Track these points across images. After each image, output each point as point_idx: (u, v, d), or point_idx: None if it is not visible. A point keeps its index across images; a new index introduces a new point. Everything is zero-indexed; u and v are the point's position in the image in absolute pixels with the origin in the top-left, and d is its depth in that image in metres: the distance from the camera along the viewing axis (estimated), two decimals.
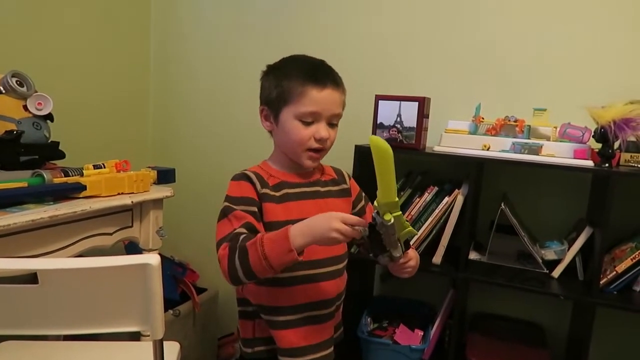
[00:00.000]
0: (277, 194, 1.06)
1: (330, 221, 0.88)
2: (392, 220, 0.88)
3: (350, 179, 1.22)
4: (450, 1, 1.72)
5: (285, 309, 1.05)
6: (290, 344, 1.05)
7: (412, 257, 1.01)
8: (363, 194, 1.23)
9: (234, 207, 1.01)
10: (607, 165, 1.36)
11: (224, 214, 1.02)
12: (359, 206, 1.19)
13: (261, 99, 1.10)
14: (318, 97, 1.02)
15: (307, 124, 1.03)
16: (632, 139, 1.40)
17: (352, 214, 1.15)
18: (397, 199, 0.88)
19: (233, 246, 0.93)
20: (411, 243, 1.10)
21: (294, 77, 1.03)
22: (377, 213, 0.89)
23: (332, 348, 1.12)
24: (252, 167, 1.10)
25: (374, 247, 0.93)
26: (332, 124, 1.06)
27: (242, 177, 1.05)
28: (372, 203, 0.91)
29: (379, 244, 0.92)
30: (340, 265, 1.12)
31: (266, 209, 1.03)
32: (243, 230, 0.97)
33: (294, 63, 1.08)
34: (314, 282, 1.06)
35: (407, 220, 0.94)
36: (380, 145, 0.85)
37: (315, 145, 1.04)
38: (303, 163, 1.07)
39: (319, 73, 1.04)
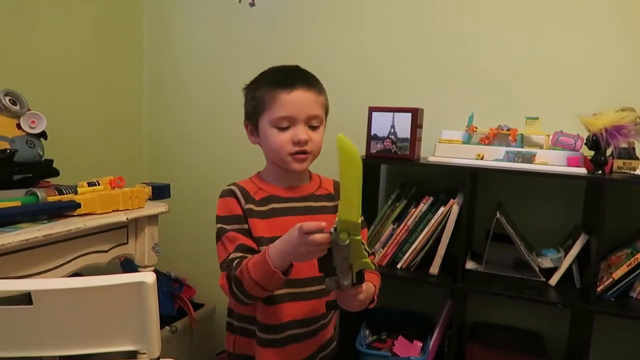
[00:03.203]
0: (263, 208, 1.03)
1: (298, 247, 0.84)
2: (348, 242, 0.80)
3: None
4: (440, 12, 1.74)
5: (272, 327, 1.03)
6: None
7: (363, 291, 0.93)
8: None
9: (226, 227, 1.01)
10: (600, 172, 1.37)
11: (218, 236, 1.02)
12: None
13: (245, 116, 1.11)
14: (288, 100, 1.00)
15: (283, 129, 1.01)
16: (624, 145, 1.41)
17: None
18: (359, 220, 0.80)
19: (229, 275, 0.94)
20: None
21: (263, 86, 1.03)
22: (335, 229, 0.81)
23: None
24: (243, 180, 1.09)
25: (322, 265, 0.86)
26: (312, 126, 1.03)
27: (228, 193, 1.05)
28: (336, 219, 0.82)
29: (329, 263, 0.85)
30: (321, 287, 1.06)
31: (251, 225, 1.02)
32: (237, 254, 0.97)
33: (265, 73, 1.08)
34: (300, 301, 1.04)
35: (367, 250, 0.85)
36: (348, 149, 0.77)
37: (295, 149, 1.01)
38: (290, 167, 1.03)
39: (287, 76, 1.03)
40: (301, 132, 1.00)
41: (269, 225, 1.02)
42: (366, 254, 0.85)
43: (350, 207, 0.79)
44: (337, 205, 1.05)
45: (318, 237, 0.81)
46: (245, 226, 1.01)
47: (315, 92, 1.04)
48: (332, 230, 0.82)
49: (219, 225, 1.02)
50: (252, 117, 1.06)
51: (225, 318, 1.13)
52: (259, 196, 1.05)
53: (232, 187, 1.05)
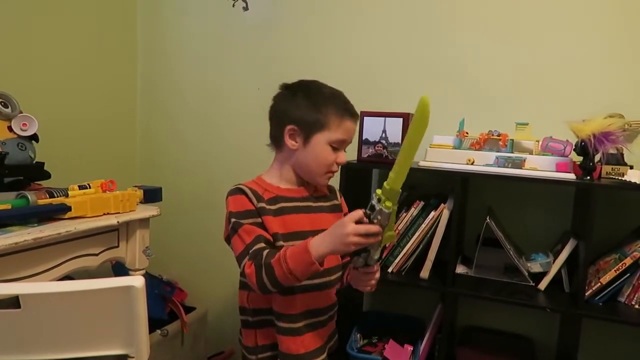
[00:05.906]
0: (274, 207, 1.11)
1: (346, 237, 0.92)
2: (391, 210, 0.88)
3: (341, 196, 1.29)
4: (432, 18, 1.75)
5: (289, 317, 1.11)
6: (289, 350, 1.10)
7: (378, 270, 1.08)
8: None
9: (241, 221, 1.06)
10: (588, 178, 1.38)
11: (234, 229, 1.07)
12: None
13: (289, 118, 1.12)
14: (350, 128, 1.14)
15: (335, 149, 1.12)
16: (612, 151, 1.42)
17: None
18: (400, 190, 0.89)
19: (258, 263, 1.00)
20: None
21: (333, 108, 1.11)
22: (379, 200, 0.89)
23: (325, 354, 1.17)
24: (247, 182, 1.14)
25: None
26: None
27: (238, 191, 1.11)
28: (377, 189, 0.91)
29: None
30: (334, 277, 1.18)
31: (266, 222, 1.08)
32: (261, 244, 1.04)
33: (325, 91, 1.15)
34: (310, 292, 1.12)
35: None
36: (425, 109, 0.91)
37: (335, 168, 1.15)
38: (320, 181, 1.16)
39: (351, 107, 1.16)
40: (344, 155, 1.15)
41: (282, 223, 1.10)
42: (394, 226, 0.94)
43: (400, 177, 0.90)
44: (332, 205, 1.21)
45: (371, 226, 0.91)
46: (259, 220, 1.07)
47: None
48: (373, 202, 0.90)
49: (234, 220, 1.07)
50: (306, 126, 1.11)
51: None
52: (267, 196, 1.12)
53: (241, 186, 1.11)
